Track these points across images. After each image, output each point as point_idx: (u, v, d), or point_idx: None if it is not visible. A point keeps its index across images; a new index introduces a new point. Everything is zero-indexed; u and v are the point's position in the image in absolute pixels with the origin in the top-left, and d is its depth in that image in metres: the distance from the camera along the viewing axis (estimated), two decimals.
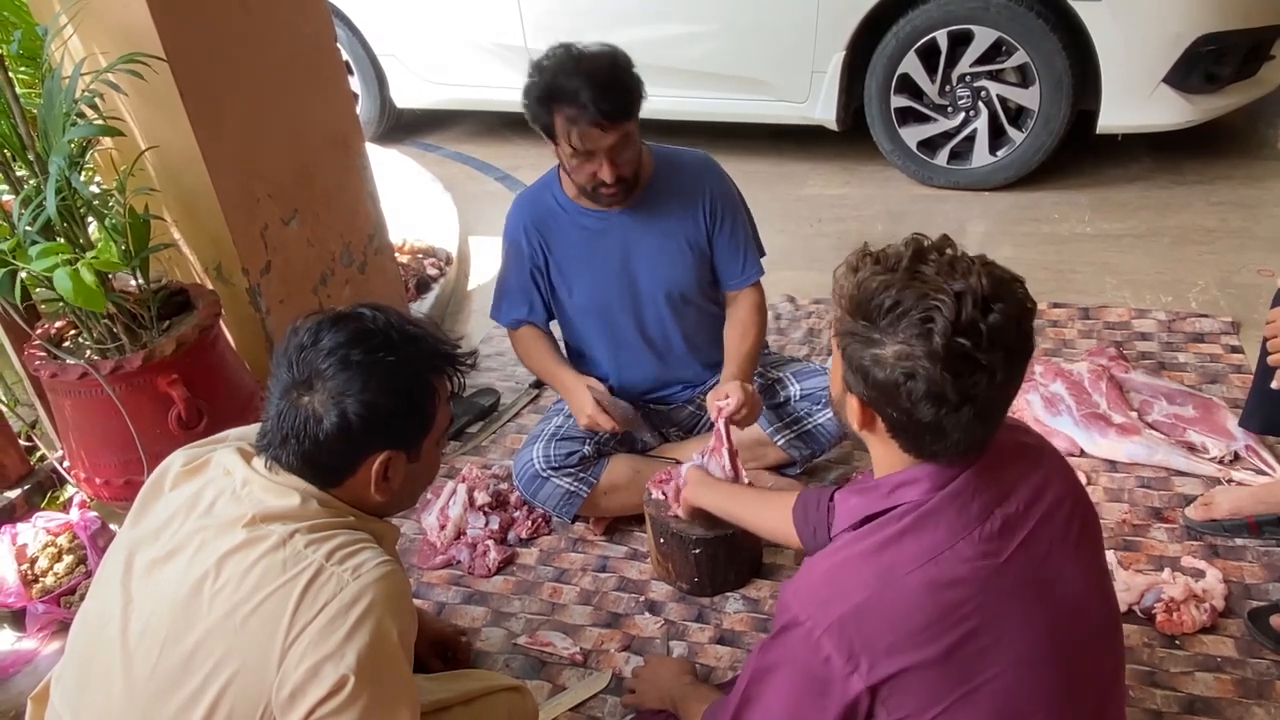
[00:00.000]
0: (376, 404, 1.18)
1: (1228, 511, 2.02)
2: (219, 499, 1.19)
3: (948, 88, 3.67)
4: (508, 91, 4.55)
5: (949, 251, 1.05)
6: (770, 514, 1.67)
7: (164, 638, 1.11)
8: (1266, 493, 2.03)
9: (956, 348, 0.98)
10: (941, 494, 1.08)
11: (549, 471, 2.09)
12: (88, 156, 2.14)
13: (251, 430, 1.31)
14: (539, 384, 2.85)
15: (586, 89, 1.83)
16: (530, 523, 2.26)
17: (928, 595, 1.03)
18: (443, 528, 2.24)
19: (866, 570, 1.06)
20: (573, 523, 2.20)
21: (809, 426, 2.17)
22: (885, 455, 1.14)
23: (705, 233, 2.13)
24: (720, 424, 1.93)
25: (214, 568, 1.11)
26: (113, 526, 2.25)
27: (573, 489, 2.10)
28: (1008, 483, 1.11)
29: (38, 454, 2.52)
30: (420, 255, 3.55)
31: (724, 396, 1.95)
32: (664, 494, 1.99)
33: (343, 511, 1.22)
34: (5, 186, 2.09)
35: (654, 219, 2.10)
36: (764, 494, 1.82)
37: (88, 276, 1.78)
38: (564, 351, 2.27)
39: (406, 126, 5.15)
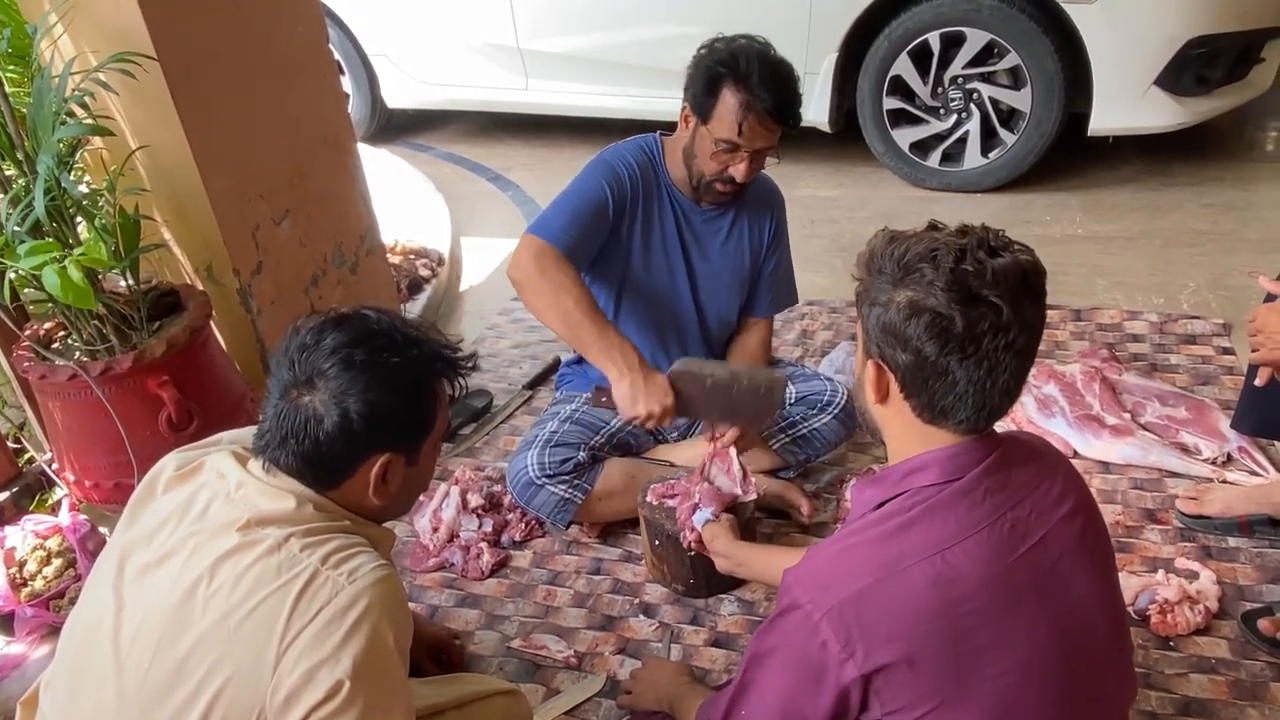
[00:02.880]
0: (379, 404, 1.17)
1: (1219, 509, 2.03)
2: (213, 503, 1.18)
3: (940, 90, 3.68)
4: (500, 92, 4.59)
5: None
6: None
7: (157, 643, 1.09)
8: (1260, 493, 2.03)
9: (961, 274, 1.01)
10: (953, 489, 1.07)
11: (543, 479, 2.07)
12: (78, 156, 2.12)
13: (246, 433, 1.30)
14: (532, 385, 2.84)
15: (772, 83, 1.84)
16: (524, 525, 2.25)
17: (930, 588, 1.02)
18: (435, 530, 2.22)
19: (872, 558, 1.06)
20: (567, 528, 2.19)
21: (804, 431, 2.17)
22: (900, 433, 1.14)
23: (764, 252, 2.17)
24: (732, 452, 1.93)
25: (208, 572, 1.10)
26: (102, 529, 2.23)
27: (567, 496, 2.09)
28: (1021, 487, 1.10)
29: (26, 456, 2.50)
30: (412, 256, 3.53)
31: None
32: (667, 502, 1.99)
33: (338, 515, 1.21)
34: None
35: (727, 228, 2.12)
36: (780, 554, 1.77)
37: (75, 274, 1.76)
38: None
39: (398, 127, 5.13)
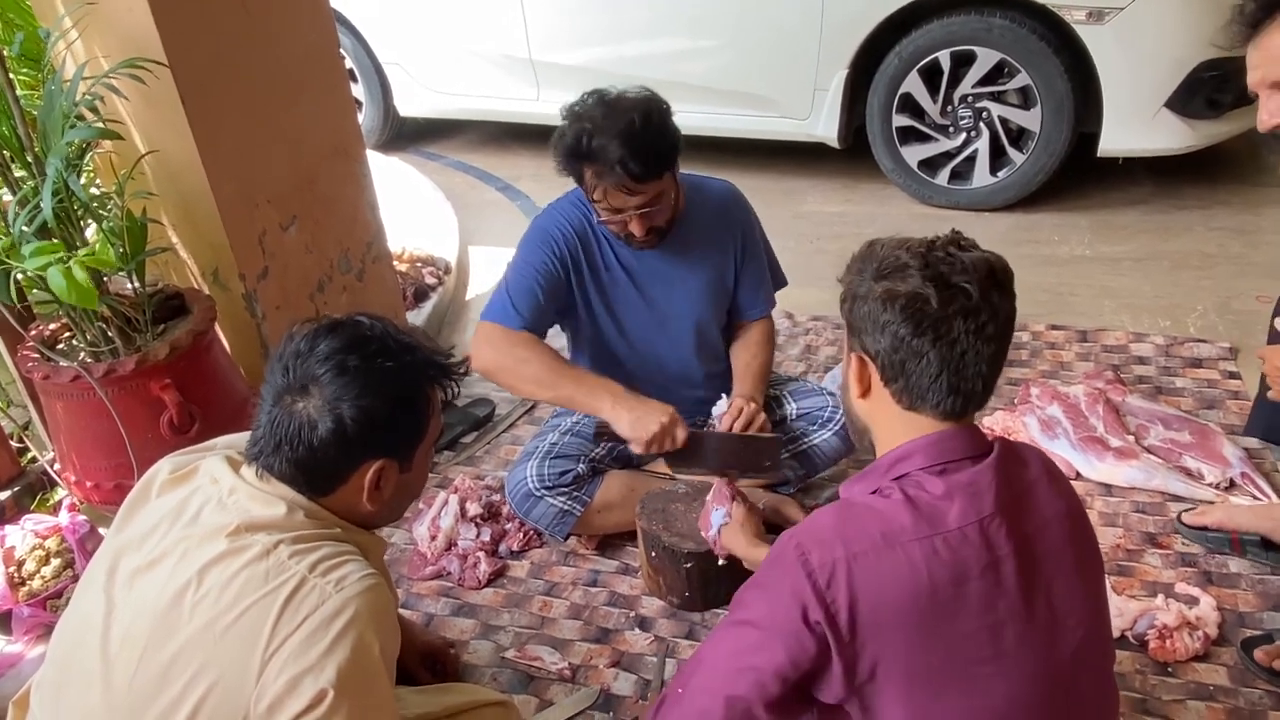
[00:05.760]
0: (372, 410, 1.18)
1: (1218, 520, 2.04)
2: (205, 507, 1.19)
3: (949, 108, 3.67)
4: (511, 102, 4.61)
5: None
6: None
7: (144, 647, 1.10)
8: (1266, 510, 2.03)
9: (933, 260, 1.09)
10: (956, 479, 1.10)
11: (542, 490, 2.07)
12: (87, 159, 2.13)
13: (241, 438, 1.31)
14: None
15: (615, 147, 1.78)
16: (522, 535, 2.24)
17: (925, 566, 1.05)
18: (434, 538, 2.22)
19: (873, 526, 1.08)
20: (565, 539, 2.19)
21: (804, 446, 2.16)
22: (884, 423, 1.18)
23: (734, 269, 2.14)
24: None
25: (196, 577, 1.11)
26: (101, 530, 2.24)
27: (566, 508, 2.09)
28: (1015, 487, 1.13)
29: (29, 455, 2.51)
30: (419, 264, 3.54)
31: (736, 413, 1.95)
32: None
33: (329, 523, 1.21)
34: (4, 188, 2.09)
35: (685, 251, 2.07)
36: None
37: (79, 274, 1.77)
38: None
39: (409, 135, 5.15)
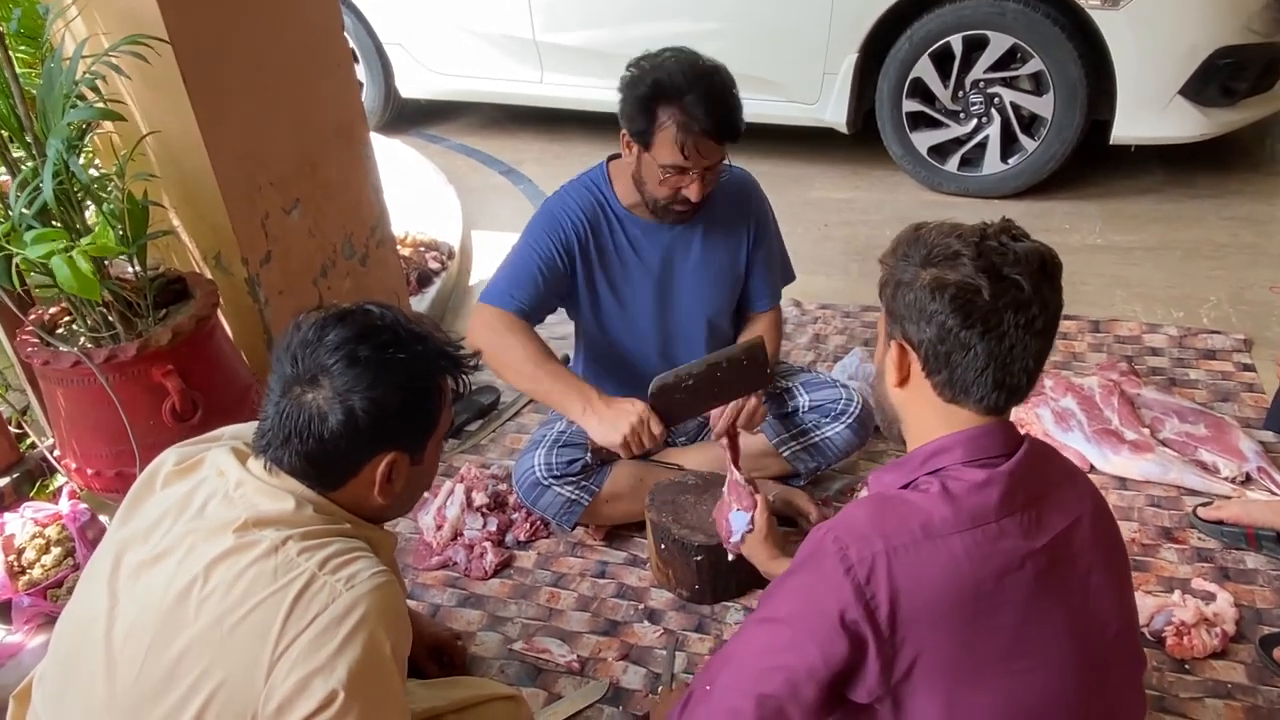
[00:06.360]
0: (384, 401, 1.14)
1: (1234, 514, 2.02)
2: (211, 501, 1.15)
3: (961, 93, 3.63)
4: (514, 84, 4.56)
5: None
6: None
7: (149, 644, 1.07)
8: None
9: (986, 250, 1.05)
10: (992, 473, 1.07)
11: (550, 479, 2.04)
12: (87, 140, 2.09)
13: (248, 429, 1.27)
14: None
15: (706, 100, 1.76)
16: (529, 525, 2.22)
17: (966, 559, 1.02)
18: (439, 528, 2.20)
19: (912, 519, 1.05)
20: (572, 529, 2.16)
21: (816, 439, 2.13)
22: (920, 415, 1.14)
23: (746, 256, 2.11)
24: (724, 440, 1.89)
25: (202, 573, 1.07)
26: (102, 518, 2.21)
27: (574, 497, 2.06)
28: (1047, 483, 1.11)
29: (28, 441, 2.47)
30: (422, 248, 3.50)
31: (736, 411, 1.91)
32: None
33: (339, 518, 1.18)
34: (2, 169, 2.05)
35: (700, 236, 2.05)
36: None
37: (83, 264, 1.73)
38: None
39: (410, 117, 5.10)
